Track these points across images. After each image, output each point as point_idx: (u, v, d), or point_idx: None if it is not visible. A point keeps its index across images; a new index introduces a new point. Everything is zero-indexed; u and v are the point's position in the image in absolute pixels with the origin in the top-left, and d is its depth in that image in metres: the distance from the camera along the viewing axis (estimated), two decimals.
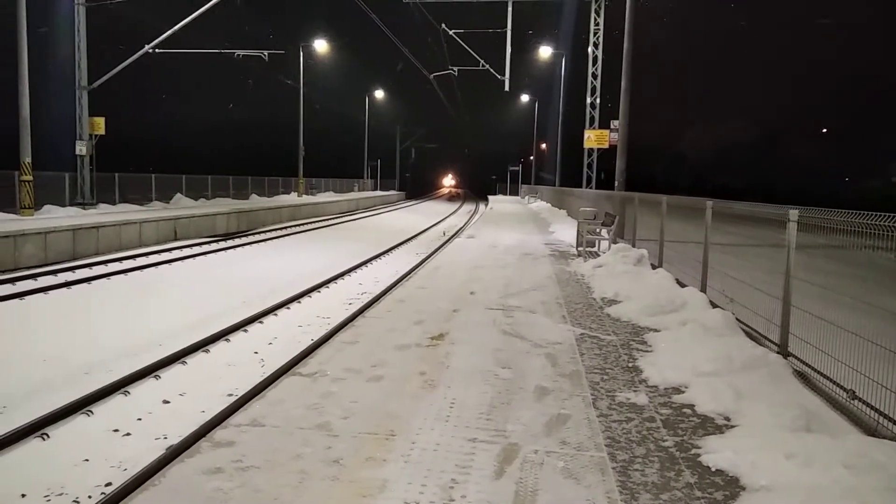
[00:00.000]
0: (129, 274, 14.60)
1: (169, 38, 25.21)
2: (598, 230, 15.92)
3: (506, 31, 28.06)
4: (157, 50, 25.67)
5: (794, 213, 5.77)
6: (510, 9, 27.74)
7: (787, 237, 5.82)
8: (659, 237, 11.51)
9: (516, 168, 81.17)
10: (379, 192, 65.68)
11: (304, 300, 12.10)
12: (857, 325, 4.64)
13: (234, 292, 12.70)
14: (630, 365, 6.08)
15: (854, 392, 4.68)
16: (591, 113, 28.17)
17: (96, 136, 24.76)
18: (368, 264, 17.38)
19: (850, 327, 4.71)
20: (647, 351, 6.56)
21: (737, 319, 7.01)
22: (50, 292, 12.12)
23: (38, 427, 5.83)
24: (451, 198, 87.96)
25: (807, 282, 5.76)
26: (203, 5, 24.44)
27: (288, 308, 11.32)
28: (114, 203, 25.38)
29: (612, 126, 25.09)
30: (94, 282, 13.41)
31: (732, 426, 4.58)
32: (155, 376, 7.46)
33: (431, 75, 34.81)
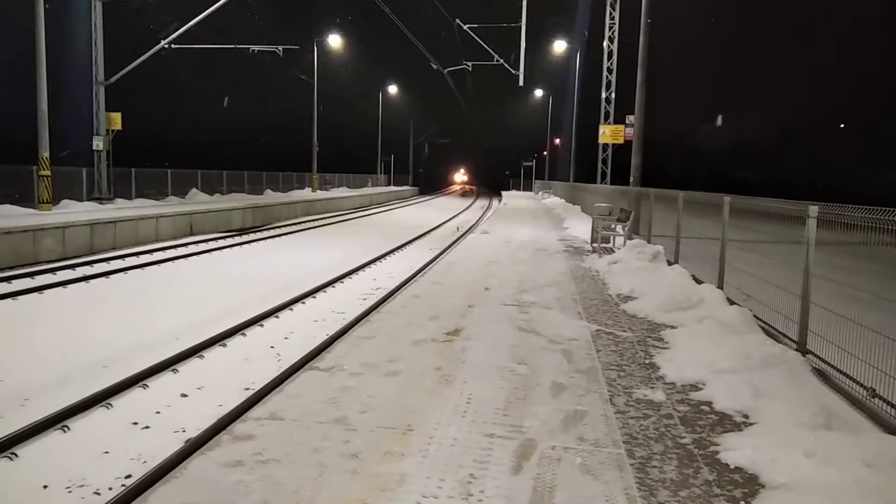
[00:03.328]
0: (147, 268, 14.73)
1: (184, 33, 25.37)
2: (612, 226, 15.87)
3: (520, 26, 28.00)
4: (172, 46, 25.84)
5: (813, 210, 5.73)
6: (525, 3, 27.68)
7: (807, 233, 5.78)
8: (675, 233, 11.45)
9: (530, 163, 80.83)
10: (392, 188, 65.73)
11: (319, 295, 12.15)
12: (878, 322, 4.61)
13: (249, 287, 12.79)
14: (647, 362, 6.06)
15: (874, 390, 4.64)
16: (605, 108, 28.03)
17: (113, 131, 24.98)
18: (382, 260, 17.41)
19: (871, 324, 4.68)
20: (663, 348, 6.54)
21: (754, 316, 6.97)
22: (68, 286, 12.26)
23: (58, 419, 5.90)
24: (463, 193, 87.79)
25: (826, 279, 5.72)
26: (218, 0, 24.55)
27: (303, 303, 11.38)
28: (130, 198, 25.60)
29: (627, 121, 24.95)
30: (111, 276, 13.55)
31: (751, 423, 4.56)
32: (173, 370, 7.53)
33: (445, 70, 34.80)
